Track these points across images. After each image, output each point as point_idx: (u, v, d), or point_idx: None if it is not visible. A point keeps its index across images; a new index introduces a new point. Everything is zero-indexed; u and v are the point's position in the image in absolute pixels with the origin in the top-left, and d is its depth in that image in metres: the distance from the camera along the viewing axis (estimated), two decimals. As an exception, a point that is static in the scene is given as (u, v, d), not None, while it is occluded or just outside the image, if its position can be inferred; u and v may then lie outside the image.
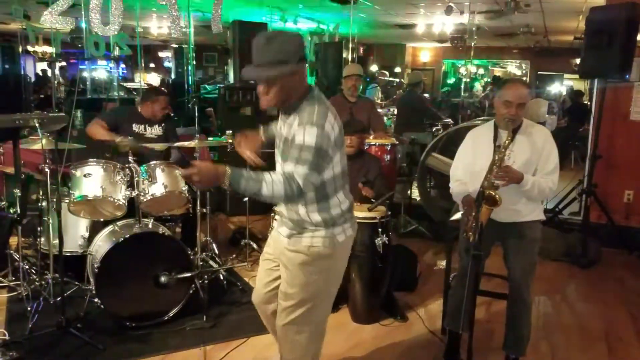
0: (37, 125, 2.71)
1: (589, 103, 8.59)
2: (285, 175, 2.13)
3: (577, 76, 10.26)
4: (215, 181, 2.14)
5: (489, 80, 14.12)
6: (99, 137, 4.17)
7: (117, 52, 5.80)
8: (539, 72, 15.94)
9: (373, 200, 3.84)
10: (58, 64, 11.82)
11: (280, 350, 2.58)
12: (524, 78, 16.47)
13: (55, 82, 9.60)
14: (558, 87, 15.38)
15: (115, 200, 3.69)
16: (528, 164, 2.90)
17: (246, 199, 4.80)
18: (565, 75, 15.46)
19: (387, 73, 11.66)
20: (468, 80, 11.66)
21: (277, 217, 2.57)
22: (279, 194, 2.12)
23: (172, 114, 7.04)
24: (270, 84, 2.17)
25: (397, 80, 12.30)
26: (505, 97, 2.88)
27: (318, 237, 2.31)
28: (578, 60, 7.28)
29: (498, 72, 17.34)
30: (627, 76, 4.92)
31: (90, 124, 4.30)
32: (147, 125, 4.43)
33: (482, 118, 6.12)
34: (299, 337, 2.43)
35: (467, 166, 3.07)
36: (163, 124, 4.51)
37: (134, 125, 4.35)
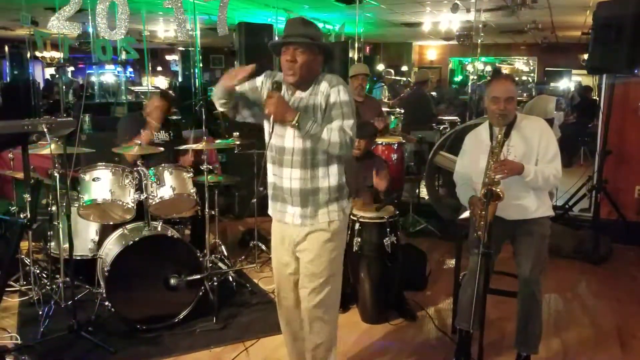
0: (45, 130, 2.72)
1: (597, 99, 8.52)
2: (339, 127, 2.36)
3: (585, 72, 10.19)
4: (286, 113, 2.35)
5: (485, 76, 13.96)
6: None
7: (124, 56, 5.82)
8: (547, 68, 15.83)
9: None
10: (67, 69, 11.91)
11: (309, 338, 2.67)
12: (532, 74, 16.39)
13: (64, 86, 9.66)
14: (566, 83, 15.25)
15: (124, 204, 3.71)
16: (528, 156, 2.90)
17: (254, 200, 4.80)
18: (574, 71, 15.33)
19: (392, 72, 11.60)
20: (475, 77, 11.59)
21: (278, 199, 2.60)
22: (336, 140, 2.35)
23: (174, 118, 7.07)
24: (300, 53, 2.37)
25: (405, 79, 12.25)
26: (492, 94, 2.89)
27: (333, 212, 2.53)
28: (586, 56, 7.22)
29: (505, 68, 17.23)
30: (636, 71, 4.87)
31: (122, 150, 4.14)
32: (153, 131, 4.41)
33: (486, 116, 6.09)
34: (327, 316, 2.61)
35: (470, 169, 3.07)
36: (170, 131, 4.49)
37: (141, 131, 4.33)
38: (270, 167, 2.60)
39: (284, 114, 2.36)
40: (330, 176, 2.51)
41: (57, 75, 12.33)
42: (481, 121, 3.42)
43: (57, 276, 3.90)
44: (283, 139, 2.48)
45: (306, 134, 2.36)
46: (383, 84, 11.15)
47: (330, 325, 2.65)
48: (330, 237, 2.53)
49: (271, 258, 2.88)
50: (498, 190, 2.69)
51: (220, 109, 2.59)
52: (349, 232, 3.63)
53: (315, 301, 2.56)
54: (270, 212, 2.71)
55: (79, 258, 3.92)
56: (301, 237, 2.56)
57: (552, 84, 14.56)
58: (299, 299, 2.68)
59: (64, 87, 9.33)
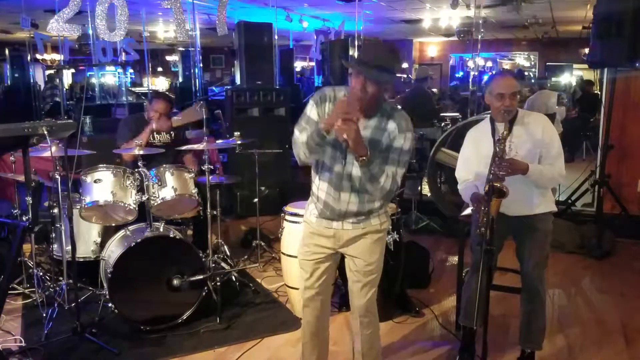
0: (46, 132, 2.72)
1: (599, 93, 8.51)
2: (393, 175, 2.44)
3: (586, 66, 10.14)
4: (360, 146, 2.29)
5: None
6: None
7: (123, 57, 5.82)
8: (548, 63, 15.80)
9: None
10: (67, 71, 11.92)
11: (361, 329, 2.77)
12: (533, 69, 16.35)
13: (65, 88, 9.67)
14: (568, 78, 15.23)
15: (126, 205, 3.71)
16: (531, 153, 2.89)
17: (256, 200, 4.80)
18: (575, 66, 15.29)
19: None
20: (476, 73, 11.56)
21: (330, 216, 2.57)
22: (386, 187, 2.43)
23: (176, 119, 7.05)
24: (376, 84, 2.32)
25: (405, 76, 12.22)
26: (497, 90, 2.88)
27: (383, 215, 2.62)
28: (587, 50, 7.20)
29: (506, 64, 17.19)
30: (637, 64, 4.85)
31: (122, 150, 4.18)
32: (154, 133, 4.41)
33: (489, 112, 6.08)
34: (375, 306, 2.74)
35: (472, 166, 3.06)
36: (172, 132, 4.48)
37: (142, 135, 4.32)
38: (324, 185, 2.53)
39: (359, 146, 2.29)
40: (381, 200, 2.58)
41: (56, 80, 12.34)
42: (482, 117, 3.41)
43: (60, 278, 3.91)
44: (344, 166, 2.46)
45: (367, 171, 2.38)
46: None
47: (377, 314, 2.78)
48: (381, 237, 2.63)
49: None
50: (502, 187, 2.68)
51: (307, 161, 2.50)
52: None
53: (370, 293, 2.66)
54: (310, 218, 2.66)
55: (81, 260, 3.92)
56: (352, 236, 2.58)
57: (553, 79, 14.53)
58: (324, 296, 2.74)
59: (64, 89, 9.33)
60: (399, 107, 2.54)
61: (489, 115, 3.06)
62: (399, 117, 2.46)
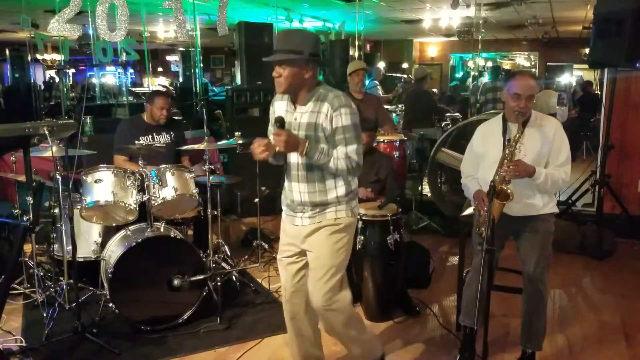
0: (47, 132, 2.72)
1: (599, 93, 8.51)
2: (344, 154, 2.46)
3: (586, 66, 10.13)
4: (296, 147, 2.44)
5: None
6: (130, 168, 4.11)
7: (124, 57, 5.82)
8: (548, 63, 15.79)
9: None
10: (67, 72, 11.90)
11: (326, 328, 2.80)
12: (533, 70, 16.34)
13: (65, 88, 9.68)
14: (568, 78, 15.23)
15: (127, 205, 3.71)
16: (539, 157, 2.88)
17: (256, 200, 4.80)
18: (575, 66, 15.30)
19: (381, 69, 11.48)
20: (476, 73, 11.55)
21: (289, 209, 2.71)
22: (343, 169, 2.47)
23: (176, 118, 7.06)
24: (283, 68, 2.46)
25: (404, 75, 12.20)
26: (514, 90, 2.85)
27: (341, 211, 2.60)
28: (587, 50, 7.20)
29: (506, 64, 17.18)
30: (637, 64, 4.85)
31: (115, 162, 4.26)
32: (154, 134, 4.41)
33: (491, 112, 6.08)
34: (337, 304, 2.65)
35: (478, 161, 3.05)
36: (172, 132, 4.49)
37: (140, 138, 4.31)
38: (285, 180, 2.69)
39: (292, 149, 2.46)
40: (338, 187, 2.58)
41: (56, 79, 12.34)
42: (484, 117, 3.41)
43: (61, 278, 3.91)
44: (290, 154, 2.57)
45: (314, 162, 2.47)
46: (377, 83, 11.07)
47: (345, 312, 2.70)
48: (335, 230, 2.60)
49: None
50: (508, 189, 2.68)
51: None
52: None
53: (325, 289, 2.60)
54: (283, 210, 2.79)
55: (82, 260, 3.91)
56: (308, 231, 2.62)
57: (554, 79, 14.53)
58: (303, 293, 2.75)
59: (64, 89, 9.32)
60: (336, 90, 2.58)
61: (502, 113, 3.04)
62: (332, 97, 2.49)
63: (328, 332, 2.87)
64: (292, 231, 2.70)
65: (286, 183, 2.67)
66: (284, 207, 2.76)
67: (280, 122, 2.46)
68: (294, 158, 2.57)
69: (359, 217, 3.67)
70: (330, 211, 2.59)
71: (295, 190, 2.61)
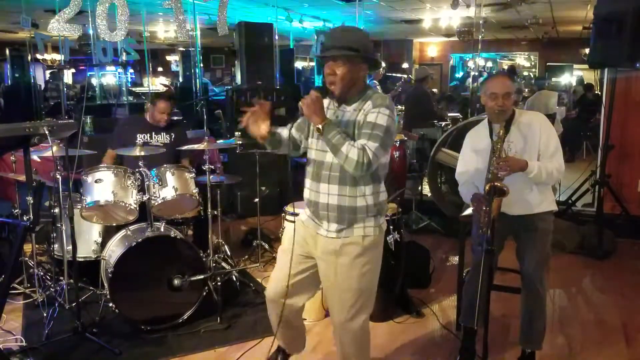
0: (47, 132, 2.72)
1: (599, 93, 8.53)
2: (361, 145, 2.29)
3: (586, 66, 10.12)
4: (315, 114, 2.32)
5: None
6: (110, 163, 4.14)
7: (124, 57, 5.82)
8: (548, 63, 15.80)
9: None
10: (67, 71, 11.92)
11: (342, 352, 2.66)
12: (533, 70, 16.35)
13: (65, 88, 9.68)
14: (568, 78, 15.23)
15: (127, 205, 3.71)
16: (529, 152, 2.90)
17: (256, 200, 4.80)
18: (575, 66, 15.30)
19: (380, 70, 11.47)
20: (476, 74, 11.56)
21: (314, 215, 2.56)
22: (353, 157, 2.27)
23: (176, 118, 7.05)
24: (339, 65, 2.36)
25: (404, 76, 12.18)
26: (490, 90, 2.90)
27: (369, 227, 2.46)
28: (587, 50, 7.20)
29: (506, 64, 17.19)
30: (637, 65, 4.85)
31: (105, 156, 4.36)
32: (153, 133, 4.40)
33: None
34: (359, 330, 2.56)
35: (471, 167, 3.07)
36: (172, 133, 4.48)
37: (137, 135, 4.29)
38: (307, 183, 2.55)
39: (313, 114, 2.32)
40: (368, 196, 2.43)
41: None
42: (484, 117, 3.41)
43: (61, 278, 3.91)
44: (324, 153, 2.43)
45: (327, 141, 2.31)
46: (376, 84, 11.06)
47: (363, 340, 2.63)
48: (361, 252, 2.45)
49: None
50: (502, 186, 2.68)
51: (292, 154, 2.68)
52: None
53: (349, 314, 2.51)
54: (301, 215, 2.67)
55: (82, 260, 3.92)
56: (332, 249, 2.47)
57: (553, 79, 14.53)
58: (293, 295, 2.64)
59: (64, 89, 9.34)
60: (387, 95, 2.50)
61: (487, 117, 3.06)
62: (376, 97, 2.40)
63: (346, 355, 2.70)
64: (312, 238, 2.55)
65: (311, 184, 2.52)
66: (305, 212, 2.63)
67: (320, 89, 2.38)
68: (329, 156, 2.41)
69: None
70: (358, 227, 2.44)
71: (323, 191, 2.45)
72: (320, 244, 2.51)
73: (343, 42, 2.37)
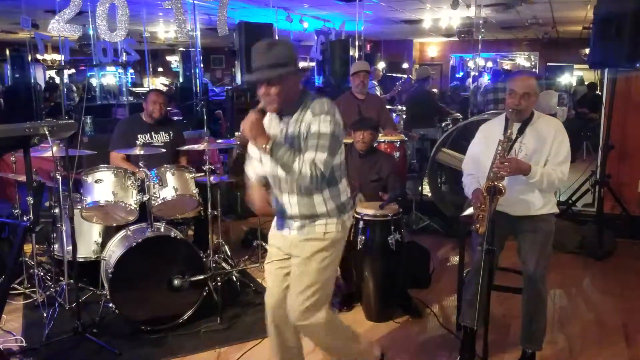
0: (47, 133, 2.72)
1: (599, 93, 8.53)
2: (311, 159, 2.32)
3: (587, 66, 10.13)
4: (258, 136, 2.35)
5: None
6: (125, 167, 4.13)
7: (124, 57, 5.82)
8: (548, 63, 15.80)
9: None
10: (67, 72, 11.92)
11: (313, 342, 2.76)
12: (533, 70, 16.34)
13: (65, 89, 9.68)
14: (568, 78, 15.23)
15: (127, 205, 3.71)
16: (539, 155, 2.89)
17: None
18: (575, 66, 15.31)
19: (380, 69, 11.47)
20: (476, 74, 11.57)
21: (278, 223, 2.66)
22: (305, 173, 2.31)
23: (175, 118, 7.06)
24: (272, 85, 2.34)
25: (404, 76, 12.19)
26: (510, 87, 2.90)
27: (331, 224, 2.51)
28: (587, 51, 7.21)
29: (506, 64, 17.19)
30: (637, 65, 4.85)
31: (111, 159, 4.34)
32: (152, 133, 4.41)
33: (491, 112, 6.09)
34: (312, 320, 2.57)
35: (479, 160, 3.06)
36: (170, 131, 4.49)
37: (138, 136, 4.29)
38: (272, 195, 2.63)
39: (257, 136, 2.35)
40: (327, 201, 2.49)
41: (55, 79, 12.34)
42: (484, 117, 3.42)
43: (61, 278, 3.91)
44: (277, 167, 2.45)
45: (277, 160, 2.34)
46: (376, 84, 11.06)
47: (325, 326, 2.63)
48: (324, 247, 2.52)
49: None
50: (500, 185, 2.69)
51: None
52: (353, 231, 3.62)
53: (303, 306, 2.53)
54: (271, 235, 2.75)
55: (82, 260, 3.92)
56: (296, 242, 2.55)
57: (554, 79, 14.54)
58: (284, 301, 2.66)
59: (65, 89, 9.34)
60: (323, 98, 2.47)
61: (505, 113, 3.04)
62: (315, 103, 2.39)
63: (317, 345, 2.85)
64: (281, 240, 2.64)
65: (276, 196, 2.59)
66: (272, 227, 2.71)
67: (261, 109, 2.39)
68: (281, 171, 2.44)
69: (359, 216, 3.68)
70: (320, 224, 2.50)
71: (286, 202, 2.52)
72: (287, 241, 2.60)
73: (271, 59, 2.34)
